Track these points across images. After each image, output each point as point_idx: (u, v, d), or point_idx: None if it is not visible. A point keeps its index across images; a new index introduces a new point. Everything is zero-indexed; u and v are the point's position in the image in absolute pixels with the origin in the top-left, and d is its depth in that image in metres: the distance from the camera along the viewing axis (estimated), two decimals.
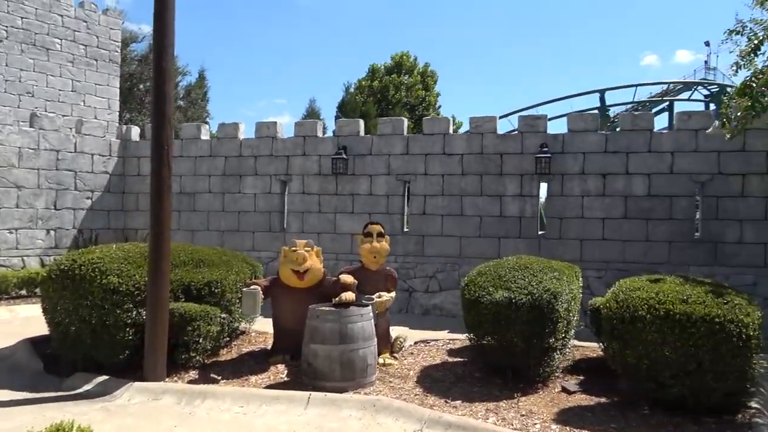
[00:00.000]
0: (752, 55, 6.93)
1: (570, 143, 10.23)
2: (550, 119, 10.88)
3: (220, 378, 6.31)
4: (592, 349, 7.76)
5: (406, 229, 11.08)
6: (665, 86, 29.96)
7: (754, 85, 6.44)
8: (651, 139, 9.91)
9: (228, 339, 7.40)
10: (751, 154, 9.50)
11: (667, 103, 29.01)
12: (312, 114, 28.44)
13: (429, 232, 10.81)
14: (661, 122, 25.38)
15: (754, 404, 5.00)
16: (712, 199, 9.66)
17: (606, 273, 9.86)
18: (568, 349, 6.77)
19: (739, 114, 7.39)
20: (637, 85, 27.37)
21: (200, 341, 6.45)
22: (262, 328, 8.14)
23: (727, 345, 4.64)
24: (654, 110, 28.61)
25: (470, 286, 6.42)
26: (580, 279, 7.19)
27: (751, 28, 7.95)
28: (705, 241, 9.67)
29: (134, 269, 6.33)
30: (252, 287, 6.59)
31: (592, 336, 7.65)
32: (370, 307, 6.33)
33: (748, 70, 8.12)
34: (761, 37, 6.80)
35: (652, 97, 30.39)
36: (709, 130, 8.58)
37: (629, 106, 27.08)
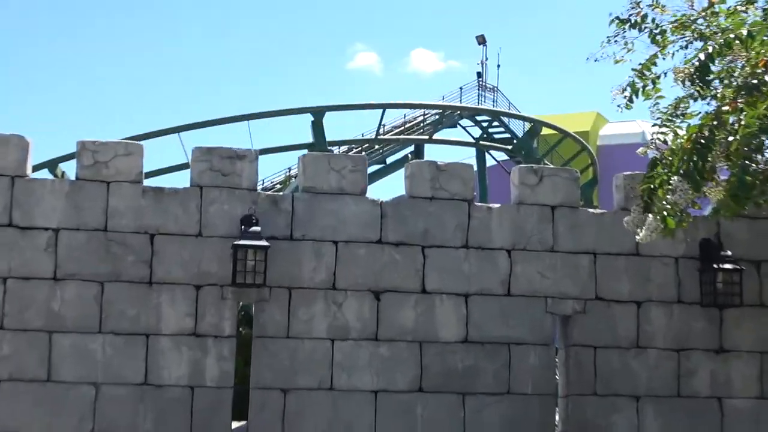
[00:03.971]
0: (702, 71, 3.97)
1: None
2: None
3: None
4: None
5: None
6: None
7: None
8: None
9: None
10: None
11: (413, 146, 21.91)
12: None
13: None
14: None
15: None
16: None
17: None
18: None
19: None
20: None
21: None
22: None
23: None
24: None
25: None
26: None
27: (653, 18, 4.64)
28: None
29: None
30: None
31: None
32: None
33: (651, 100, 4.63)
34: (720, 41, 3.86)
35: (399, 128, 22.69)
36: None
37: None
